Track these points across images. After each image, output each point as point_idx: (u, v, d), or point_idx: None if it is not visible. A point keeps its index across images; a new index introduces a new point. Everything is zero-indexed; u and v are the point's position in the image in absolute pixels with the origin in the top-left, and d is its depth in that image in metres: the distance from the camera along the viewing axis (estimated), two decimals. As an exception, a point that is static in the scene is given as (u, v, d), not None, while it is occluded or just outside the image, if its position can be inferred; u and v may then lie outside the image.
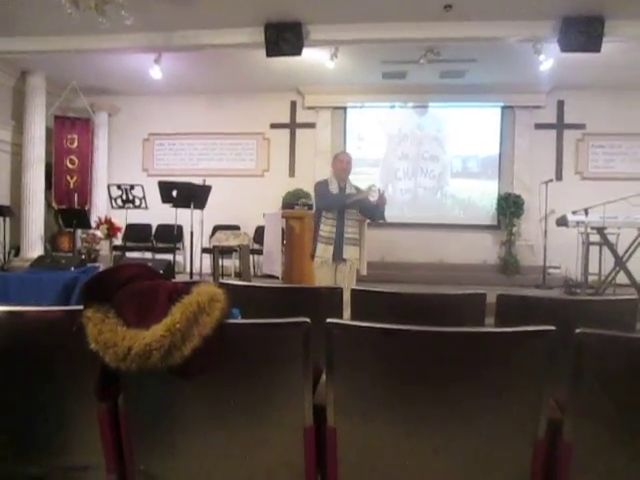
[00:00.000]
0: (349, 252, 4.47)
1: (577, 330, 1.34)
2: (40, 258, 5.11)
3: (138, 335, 1.32)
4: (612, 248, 6.26)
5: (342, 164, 4.56)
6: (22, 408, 1.53)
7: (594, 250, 6.59)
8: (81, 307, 1.43)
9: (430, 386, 1.41)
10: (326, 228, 4.46)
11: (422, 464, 1.44)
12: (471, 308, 2.29)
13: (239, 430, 1.45)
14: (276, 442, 1.46)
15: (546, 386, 1.39)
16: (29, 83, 8.09)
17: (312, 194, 5.05)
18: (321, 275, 4.48)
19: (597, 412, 1.36)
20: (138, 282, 1.45)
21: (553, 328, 1.35)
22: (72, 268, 4.39)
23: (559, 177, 8.52)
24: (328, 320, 1.40)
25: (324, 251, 4.46)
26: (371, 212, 4.64)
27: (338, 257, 4.45)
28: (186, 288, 1.40)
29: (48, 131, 8.44)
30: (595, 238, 6.47)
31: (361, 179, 9.12)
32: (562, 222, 6.43)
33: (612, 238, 6.39)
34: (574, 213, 6.31)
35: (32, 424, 1.53)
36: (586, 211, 6.26)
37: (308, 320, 1.40)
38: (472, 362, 1.40)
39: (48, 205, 8.59)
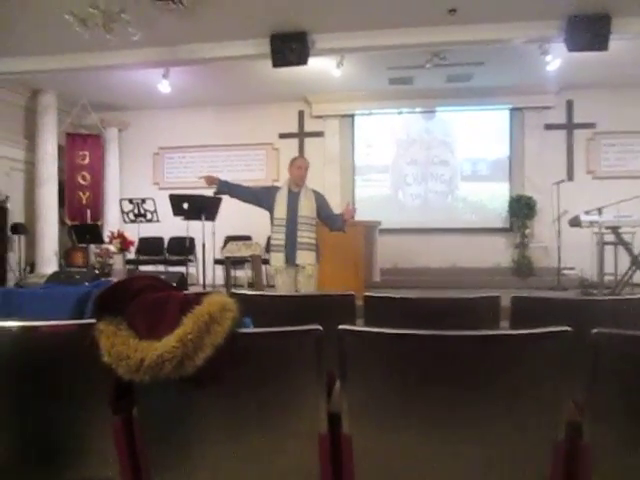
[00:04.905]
0: (303, 257, 4.33)
1: (593, 330, 1.32)
2: (55, 274, 5.14)
3: (150, 346, 1.32)
4: (627, 247, 6.18)
5: (300, 171, 4.43)
6: (37, 422, 1.54)
7: (609, 250, 6.51)
8: (94, 320, 1.43)
9: (446, 391, 1.39)
10: (275, 236, 4.39)
11: (440, 470, 1.42)
12: (485, 311, 2.27)
13: (253, 439, 1.44)
14: (291, 450, 1.45)
15: (564, 388, 1.37)
16: (40, 102, 8.22)
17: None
18: (279, 283, 4.41)
19: (616, 413, 1.33)
20: (149, 294, 1.45)
21: (569, 329, 1.33)
22: (86, 283, 4.41)
23: (571, 177, 8.45)
24: (340, 326, 1.39)
25: (275, 259, 4.39)
26: (330, 220, 4.52)
27: (292, 263, 4.35)
28: (197, 298, 1.40)
29: (60, 148, 8.56)
30: (610, 238, 6.40)
31: (371, 185, 9.18)
32: (575, 222, 6.37)
33: (627, 237, 6.31)
34: (587, 213, 6.25)
35: (47, 437, 1.54)
36: (599, 211, 6.20)
37: (320, 327, 1.39)
38: (488, 365, 1.38)
39: (61, 221, 8.69)
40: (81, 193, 8.97)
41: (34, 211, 8.25)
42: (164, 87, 7.47)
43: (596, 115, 8.41)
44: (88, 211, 8.91)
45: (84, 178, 9.00)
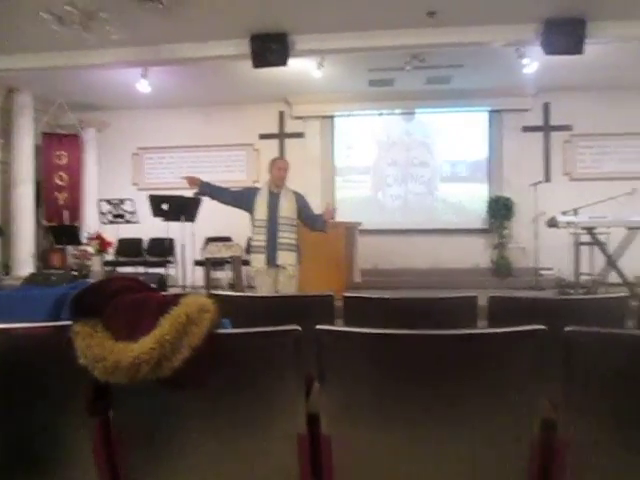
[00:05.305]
0: (283, 258, 4.36)
1: (566, 328, 1.35)
2: (31, 276, 5.04)
3: (126, 348, 1.31)
4: (602, 248, 6.29)
5: (280, 172, 4.47)
6: (12, 425, 1.51)
7: (585, 250, 6.62)
8: (70, 322, 1.42)
9: (423, 390, 1.40)
10: (256, 237, 4.42)
11: (418, 468, 1.43)
12: (462, 311, 2.29)
13: (232, 440, 1.44)
14: (270, 451, 1.45)
15: (539, 385, 1.39)
16: (16, 101, 8.08)
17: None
18: (260, 283, 4.44)
19: (590, 409, 1.35)
20: (126, 295, 1.44)
21: (543, 327, 1.35)
22: (64, 285, 4.35)
23: (548, 179, 8.57)
24: (317, 326, 1.40)
25: (256, 260, 4.42)
26: (311, 221, 4.55)
27: (272, 264, 4.38)
28: (174, 300, 1.39)
29: (37, 148, 8.41)
30: (586, 238, 6.50)
31: (351, 186, 9.21)
32: (552, 223, 6.45)
33: (602, 237, 6.41)
34: (564, 214, 6.34)
35: (23, 442, 1.51)
36: (575, 212, 6.30)
37: (298, 328, 1.40)
38: (465, 364, 1.39)
39: (38, 222, 8.55)
40: (58, 194, 8.84)
41: (10, 212, 8.10)
42: (143, 87, 7.40)
43: (572, 118, 8.55)
44: (66, 212, 8.78)
45: (61, 178, 8.87)
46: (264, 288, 4.39)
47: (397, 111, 9.08)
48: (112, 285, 1.49)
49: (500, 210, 8.50)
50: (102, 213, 7.79)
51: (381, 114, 9.12)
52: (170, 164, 9.43)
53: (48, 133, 8.84)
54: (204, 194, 4.69)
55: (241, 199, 4.54)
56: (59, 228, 8.19)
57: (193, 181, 4.55)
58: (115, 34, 5.21)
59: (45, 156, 8.75)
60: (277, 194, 4.42)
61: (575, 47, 5.75)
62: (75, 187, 8.97)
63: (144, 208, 7.06)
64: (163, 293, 1.58)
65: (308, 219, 4.53)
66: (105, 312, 1.39)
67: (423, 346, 1.41)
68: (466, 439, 1.39)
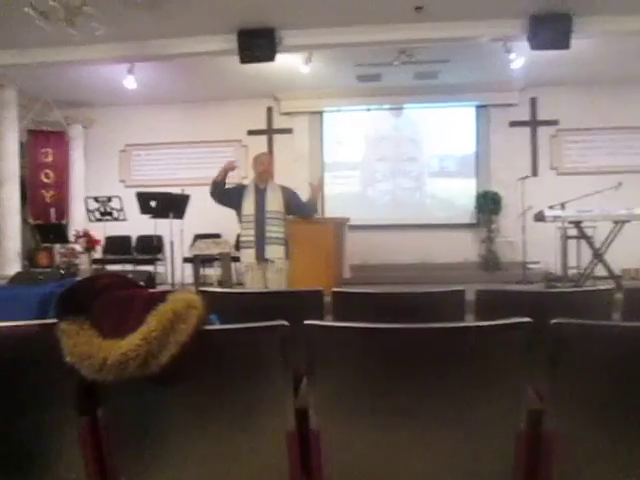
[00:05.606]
0: (272, 252, 4.36)
1: (553, 320, 1.36)
2: (18, 275, 5.02)
3: (114, 345, 1.30)
4: (589, 241, 6.34)
5: (263, 166, 4.49)
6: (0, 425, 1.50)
7: (572, 244, 6.67)
8: (56, 320, 1.40)
9: (412, 383, 1.41)
10: (244, 232, 4.42)
11: (407, 461, 1.44)
12: (450, 305, 2.31)
13: (221, 437, 1.44)
14: (259, 448, 1.45)
15: (525, 377, 1.40)
16: (0, 97, 7.96)
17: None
18: (249, 279, 4.43)
19: (576, 400, 1.37)
20: (113, 292, 1.43)
21: (529, 320, 1.36)
22: (50, 283, 4.31)
23: (535, 173, 8.63)
24: (306, 322, 1.40)
25: (245, 256, 4.43)
26: (299, 209, 4.57)
27: (262, 258, 4.37)
28: (162, 296, 1.38)
29: (22, 145, 8.31)
30: (573, 232, 6.56)
31: (340, 182, 9.20)
32: (539, 217, 6.50)
33: (589, 231, 6.48)
34: (551, 208, 6.38)
35: (10, 441, 1.50)
36: (562, 206, 6.35)
37: (285, 323, 1.39)
38: (452, 357, 1.40)
39: (24, 221, 8.46)
40: (44, 191, 8.75)
41: (-5, 210, 8.00)
42: (130, 83, 7.35)
43: (559, 112, 8.60)
44: (52, 210, 8.69)
45: (47, 176, 8.78)
46: (253, 284, 4.39)
47: (385, 106, 9.09)
48: (99, 282, 1.48)
49: (488, 205, 8.54)
50: (89, 211, 7.73)
51: (369, 109, 9.11)
52: (158, 161, 9.37)
53: (33, 130, 8.74)
54: (218, 184, 4.54)
55: (231, 197, 4.53)
56: (46, 226, 8.12)
57: (228, 168, 4.48)
58: (100, 30, 5.15)
59: (30, 153, 8.66)
60: (263, 189, 4.44)
61: (561, 42, 5.78)
62: (61, 185, 8.89)
63: (132, 205, 7.01)
64: (150, 290, 1.57)
65: (298, 208, 4.56)
66: (92, 310, 1.38)
67: (411, 340, 1.41)
68: (454, 431, 1.40)
